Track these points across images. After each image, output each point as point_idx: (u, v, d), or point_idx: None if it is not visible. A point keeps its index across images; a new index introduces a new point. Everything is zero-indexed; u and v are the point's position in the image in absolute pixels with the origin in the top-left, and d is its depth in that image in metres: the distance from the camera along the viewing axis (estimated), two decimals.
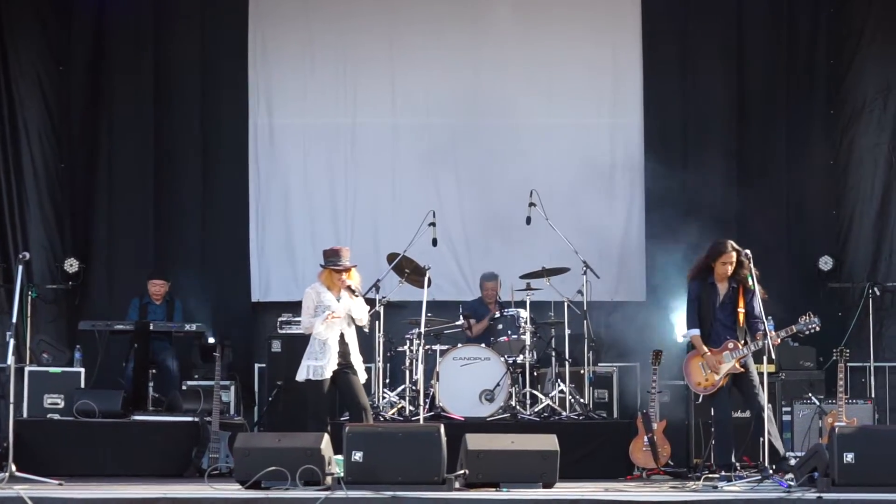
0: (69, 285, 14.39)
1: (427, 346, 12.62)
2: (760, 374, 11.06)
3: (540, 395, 12.75)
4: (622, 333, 14.26)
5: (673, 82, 14.60)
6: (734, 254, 11.08)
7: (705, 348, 11.06)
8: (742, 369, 11.01)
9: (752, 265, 10.99)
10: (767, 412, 10.93)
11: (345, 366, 11.00)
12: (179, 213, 14.70)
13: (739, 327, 11.07)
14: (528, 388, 12.73)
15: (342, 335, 11.03)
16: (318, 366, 10.94)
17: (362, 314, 11.11)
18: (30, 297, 13.91)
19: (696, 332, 11.19)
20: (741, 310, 11.07)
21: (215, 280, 14.55)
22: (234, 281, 14.61)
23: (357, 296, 11.12)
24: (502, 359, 12.58)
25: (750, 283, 10.99)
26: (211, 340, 13.68)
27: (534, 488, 10.04)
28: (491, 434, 10.69)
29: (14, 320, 11.03)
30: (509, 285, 13.53)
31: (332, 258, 11.13)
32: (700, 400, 11.64)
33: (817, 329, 11.17)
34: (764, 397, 10.98)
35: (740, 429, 11.33)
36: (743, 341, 11.03)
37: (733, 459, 10.97)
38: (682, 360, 12.99)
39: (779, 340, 11.15)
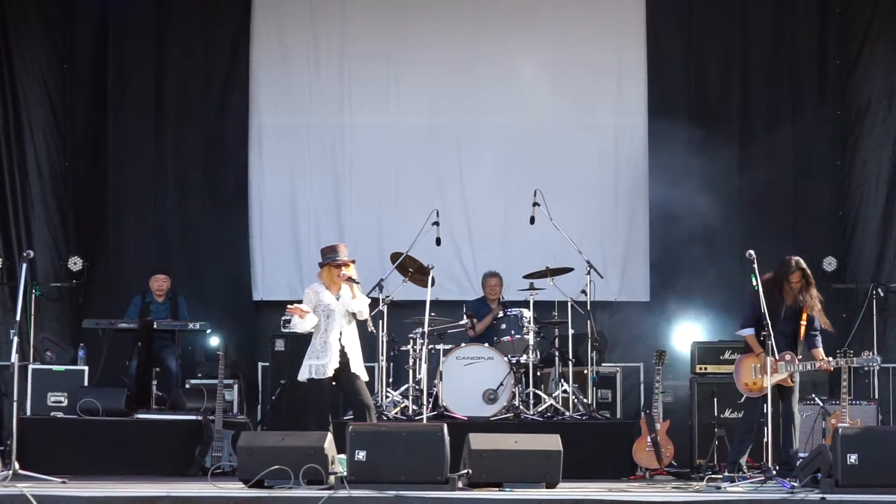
0: (73, 283, 14.40)
1: (430, 346, 12.61)
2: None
3: (543, 395, 12.74)
4: (625, 333, 14.27)
5: (677, 82, 14.58)
6: (799, 273, 11.03)
7: (760, 348, 10.97)
8: (792, 383, 10.96)
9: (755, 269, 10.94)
10: (796, 420, 11.03)
11: (346, 364, 10.95)
12: (182, 211, 14.71)
13: (799, 340, 10.99)
14: (531, 388, 12.72)
15: (341, 334, 10.98)
16: (319, 365, 10.89)
17: (362, 307, 11.00)
18: (34, 296, 13.92)
19: (751, 331, 11.04)
20: (804, 323, 11.02)
21: (217, 279, 14.58)
22: (236, 280, 14.61)
23: (357, 283, 11.02)
24: (506, 358, 12.58)
25: (814, 307, 10.98)
26: (215, 341, 13.70)
27: (537, 488, 10.03)
28: (494, 434, 10.66)
29: (18, 318, 11.02)
30: (513, 285, 13.52)
31: (329, 254, 11.08)
32: (743, 399, 11.60)
33: (877, 367, 11.14)
34: (796, 407, 11.04)
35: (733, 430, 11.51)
36: (800, 356, 10.96)
37: (743, 462, 11.00)
38: (687, 361, 13.07)
39: (832, 369, 11.14)
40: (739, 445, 11.07)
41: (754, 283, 10.87)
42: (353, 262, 11.09)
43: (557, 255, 13.43)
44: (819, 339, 11.11)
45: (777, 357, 10.80)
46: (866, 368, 11.09)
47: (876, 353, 11.53)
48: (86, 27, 14.65)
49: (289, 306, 10.99)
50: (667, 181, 14.15)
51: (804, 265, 11.08)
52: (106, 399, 12.60)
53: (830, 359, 11.02)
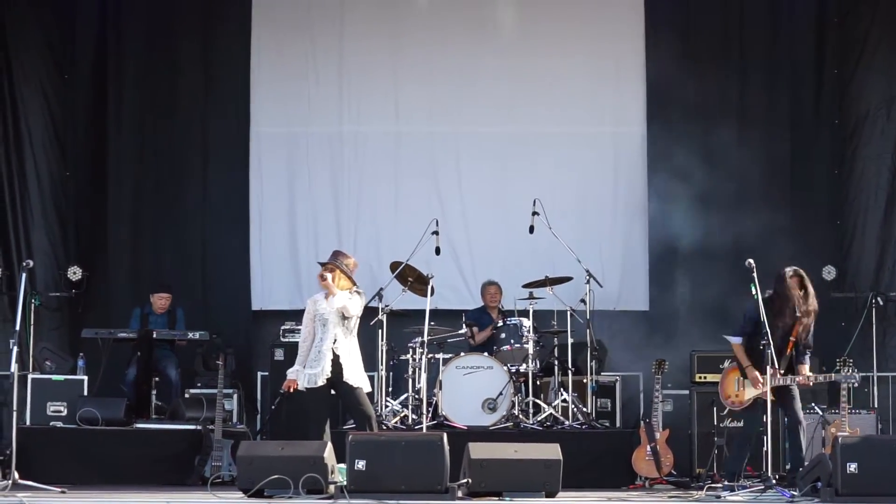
0: (72, 293, 14.39)
1: (430, 355, 12.61)
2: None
3: (543, 405, 12.74)
4: (625, 342, 14.26)
5: (676, 92, 14.57)
6: (797, 279, 10.99)
7: (748, 361, 10.95)
8: (773, 398, 10.84)
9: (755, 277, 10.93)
10: (802, 426, 11.01)
11: (340, 374, 10.79)
12: (182, 221, 14.69)
13: (785, 355, 10.92)
14: (530, 397, 12.72)
15: (336, 342, 10.83)
16: (312, 374, 10.80)
17: (342, 302, 10.78)
18: (33, 305, 13.91)
19: (739, 339, 11.04)
20: (792, 339, 10.96)
21: (216, 288, 14.56)
22: (235, 289, 14.59)
23: (340, 271, 10.92)
24: (505, 368, 12.58)
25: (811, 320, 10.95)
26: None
27: (537, 498, 10.04)
28: (494, 443, 10.66)
29: (17, 328, 11.02)
30: (512, 294, 13.52)
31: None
32: (726, 411, 11.57)
33: (855, 385, 11.13)
34: (801, 414, 11.01)
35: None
36: (783, 371, 10.88)
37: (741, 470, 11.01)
38: (686, 370, 13.06)
39: (811, 383, 11.10)
40: (737, 456, 11.06)
41: (754, 291, 10.87)
42: (334, 264, 10.94)
43: (556, 265, 13.43)
44: (807, 356, 11.07)
45: (762, 370, 10.79)
46: (845, 384, 11.05)
47: (876, 363, 11.52)
48: (85, 37, 14.66)
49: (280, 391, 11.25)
50: (665, 190, 14.16)
51: (802, 272, 11.06)
52: (105, 409, 12.61)
53: (810, 374, 10.98)
